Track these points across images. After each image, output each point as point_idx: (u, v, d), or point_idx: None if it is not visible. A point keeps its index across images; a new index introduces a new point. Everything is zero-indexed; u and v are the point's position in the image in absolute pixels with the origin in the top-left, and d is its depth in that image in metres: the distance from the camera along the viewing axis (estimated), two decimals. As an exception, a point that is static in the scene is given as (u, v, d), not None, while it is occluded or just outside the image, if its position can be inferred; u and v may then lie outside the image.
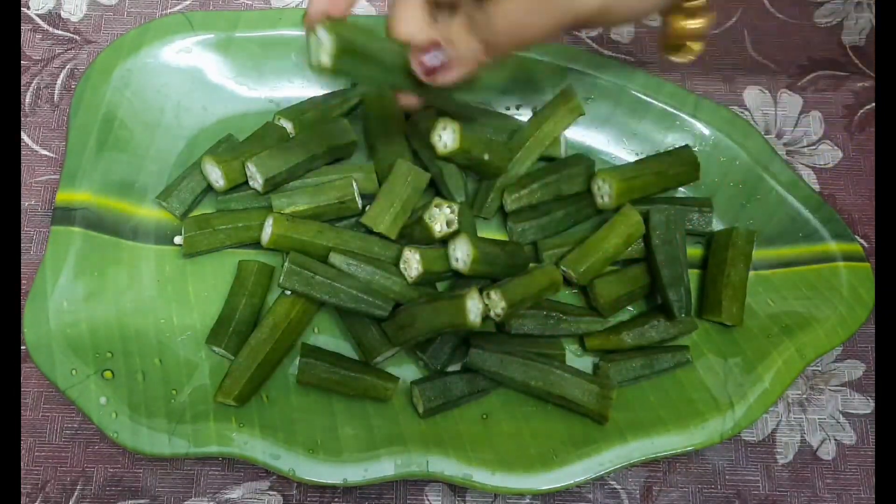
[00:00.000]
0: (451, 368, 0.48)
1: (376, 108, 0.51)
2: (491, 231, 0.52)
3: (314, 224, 0.48)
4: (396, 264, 0.48)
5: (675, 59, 0.35)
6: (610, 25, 0.32)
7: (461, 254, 0.46)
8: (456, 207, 0.47)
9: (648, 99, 0.52)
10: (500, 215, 0.52)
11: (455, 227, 0.47)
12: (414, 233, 0.48)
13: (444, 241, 0.48)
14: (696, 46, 0.35)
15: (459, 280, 0.49)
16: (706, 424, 0.46)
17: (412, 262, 0.46)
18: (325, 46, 0.32)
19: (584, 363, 0.49)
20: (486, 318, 0.45)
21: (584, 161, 0.52)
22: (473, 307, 0.43)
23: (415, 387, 0.47)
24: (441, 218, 0.47)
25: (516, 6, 0.29)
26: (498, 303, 0.45)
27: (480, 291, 0.45)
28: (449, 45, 0.31)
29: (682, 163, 0.51)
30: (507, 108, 0.54)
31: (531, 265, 0.49)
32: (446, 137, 0.47)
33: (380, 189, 0.49)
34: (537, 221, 0.50)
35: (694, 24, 0.33)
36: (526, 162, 0.51)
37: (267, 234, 0.47)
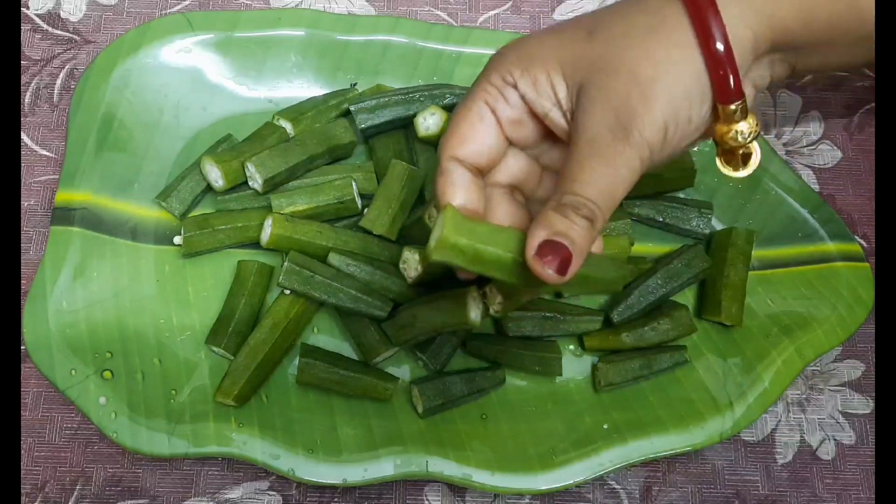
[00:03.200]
0: (450, 368, 0.48)
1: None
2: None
3: (314, 224, 0.48)
4: (396, 264, 0.47)
5: (732, 174, 0.35)
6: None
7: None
8: None
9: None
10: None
11: None
12: (413, 232, 0.48)
13: None
14: (754, 159, 0.34)
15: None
16: (706, 424, 0.46)
17: (412, 263, 0.46)
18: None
19: (583, 363, 0.49)
20: (485, 316, 0.45)
21: None
22: (474, 306, 0.43)
23: (414, 386, 0.47)
24: None
25: (599, 172, 0.30)
26: (494, 297, 0.45)
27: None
28: (558, 234, 0.30)
29: (679, 167, 0.51)
30: None
31: None
32: (431, 121, 0.47)
33: (377, 191, 0.49)
34: None
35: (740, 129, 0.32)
36: None
37: (266, 234, 0.47)
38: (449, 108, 0.51)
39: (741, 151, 0.34)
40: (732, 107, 0.31)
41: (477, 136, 0.33)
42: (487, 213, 0.35)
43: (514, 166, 0.36)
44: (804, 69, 0.33)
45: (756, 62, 0.32)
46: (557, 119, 0.32)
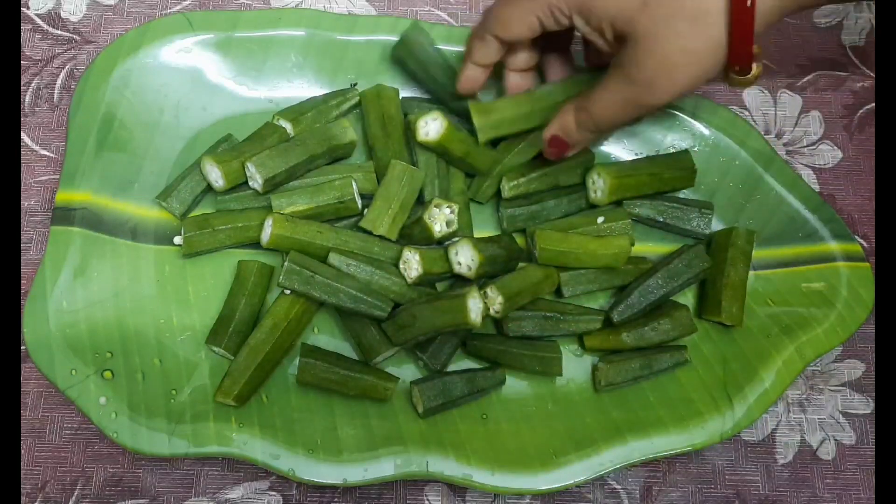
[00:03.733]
0: (451, 368, 0.48)
1: (376, 108, 0.51)
2: (481, 216, 0.52)
3: (314, 224, 0.48)
4: (396, 265, 0.48)
5: (739, 86, 0.40)
6: (680, 100, 0.44)
7: (465, 258, 0.46)
8: (455, 207, 0.47)
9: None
10: (493, 200, 0.52)
11: (454, 226, 0.47)
12: (413, 233, 0.48)
13: (442, 242, 0.48)
14: (756, 71, 0.39)
15: (458, 279, 0.49)
16: (706, 424, 0.46)
17: (412, 263, 0.46)
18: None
19: (584, 363, 0.49)
20: (485, 316, 0.45)
21: (585, 153, 0.52)
22: (474, 306, 0.43)
23: (414, 387, 0.47)
24: (441, 218, 0.47)
25: (612, 112, 0.40)
26: (495, 298, 0.45)
27: (479, 289, 0.45)
28: (566, 134, 0.43)
29: (679, 167, 0.51)
30: None
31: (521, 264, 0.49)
32: (431, 126, 0.48)
33: (377, 191, 0.49)
34: (528, 209, 0.50)
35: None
36: (526, 154, 0.51)
37: (267, 234, 0.47)
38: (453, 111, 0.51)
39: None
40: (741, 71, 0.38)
41: (517, 31, 0.40)
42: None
43: (525, 56, 0.46)
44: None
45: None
46: (601, 46, 0.40)
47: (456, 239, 0.47)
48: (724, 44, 0.35)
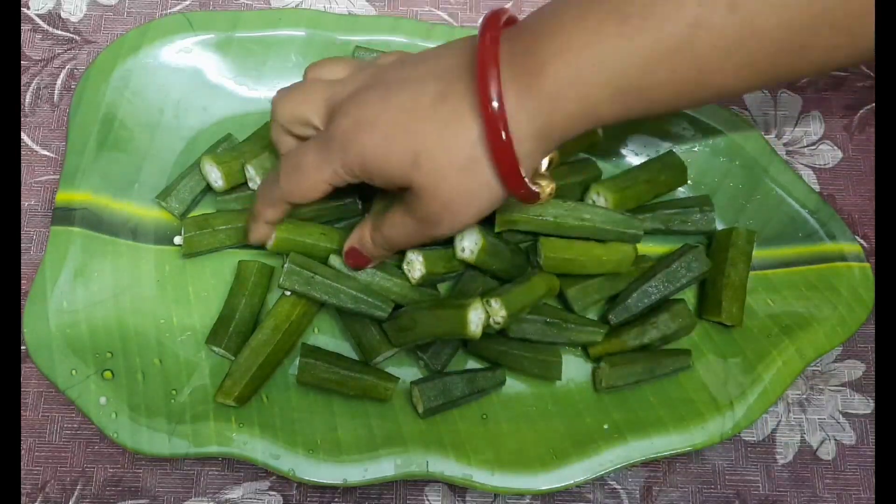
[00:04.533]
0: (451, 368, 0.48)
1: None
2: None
3: (317, 227, 0.47)
4: (398, 266, 0.47)
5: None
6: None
7: (469, 243, 0.46)
8: None
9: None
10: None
11: None
12: None
13: (446, 242, 0.48)
14: (547, 192, 0.40)
15: (463, 277, 0.49)
16: (706, 424, 0.46)
17: (415, 264, 0.46)
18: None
19: (584, 363, 0.50)
20: (486, 328, 0.44)
21: (590, 168, 0.51)
22: (475, 318, 0.43)
23: (415, 387, 0.47)
24: None
25: (401, 237, 0.41)
26: (498, 311, 0.44)
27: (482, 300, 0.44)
28: (363, 249, 0.44)
29: (669, 168, 0.51)
30: None
31: (528, 270, 0.48)
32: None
33: (376, 193, 0.49)
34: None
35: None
36: None
37: (271, 238, 0.47)
38: None
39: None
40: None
41: (313, 196, 0.41)
42: None
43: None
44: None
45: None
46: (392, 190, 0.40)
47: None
48: (496, 182, 0.36)
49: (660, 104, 0.35)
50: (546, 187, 0.39)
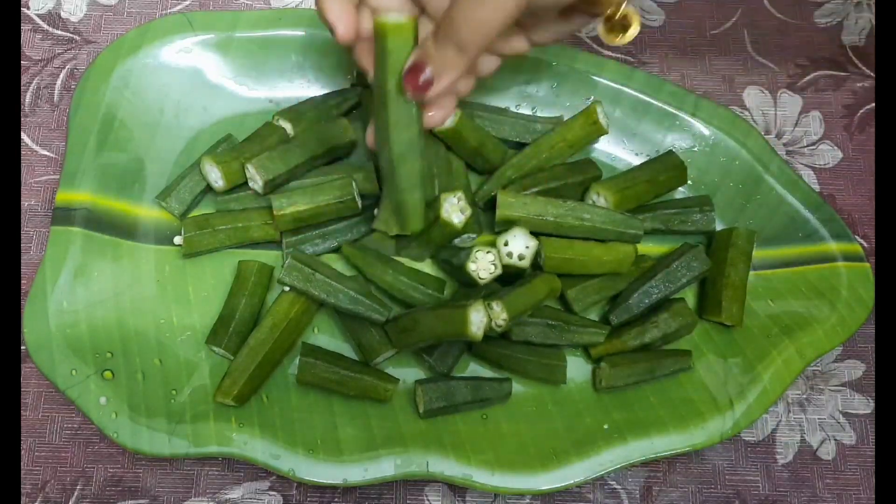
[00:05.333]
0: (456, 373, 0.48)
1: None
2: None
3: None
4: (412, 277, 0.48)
5: (614, 42, 0.38)
6: (558, 5, 0.36)
7: (518, 246, 0.46)
8: (460, 194, 0.46)
9: (648, 99, 0.52)
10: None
11: (469, 212, 0.46)
12: (433, 233, 0.48)
13: (465, 231, 0.47)
14: (633, 28, 0.37)
15: (466, 286, 0.49)
16: (706, 424, 0.46)
17: (483, 263, 0.47)
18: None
19: (585, 364, 0.50)
20: (487, 331, 0.44)
21: (590, 169, 0.51)
22: (476, 319, 0.43)
23: (419, 386, 0.47)
24: (455, 209, 0.46)
25: (473, 4, 0.33)
26: (500, 314, 0.44)
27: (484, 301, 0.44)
28: (428, 59, 0.36)
29: (669, 168, 0.51)
30: (534, 109, 0.54)
31: (528, 272, 0.48)
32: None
33: (380, 193, 0.49)
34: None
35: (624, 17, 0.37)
36: (531, 163, 0.51)
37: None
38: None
39: (621, 20, 0.37)
40: None
41: (497, 21, 0.34)
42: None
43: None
44: None
45: None
46: None
47: (500, 229, 0.47)
48: None
49: None
50: (635, 22, 0.36)
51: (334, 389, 0.46)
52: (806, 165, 0.56)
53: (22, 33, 0.56)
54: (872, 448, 0.50)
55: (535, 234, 0.47)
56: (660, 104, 0.52)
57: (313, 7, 0.57)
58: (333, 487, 0.47)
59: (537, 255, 0.47)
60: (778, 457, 0.49)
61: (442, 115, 0.41)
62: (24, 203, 0.53)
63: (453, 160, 0.51)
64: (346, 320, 0.49)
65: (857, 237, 0.53)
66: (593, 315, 0.50)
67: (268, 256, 0.50)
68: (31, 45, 0.56)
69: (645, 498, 0.48)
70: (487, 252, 0.47)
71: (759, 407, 0.46)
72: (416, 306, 0.47)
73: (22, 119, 0.54)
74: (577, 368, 0.49)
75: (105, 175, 0.49)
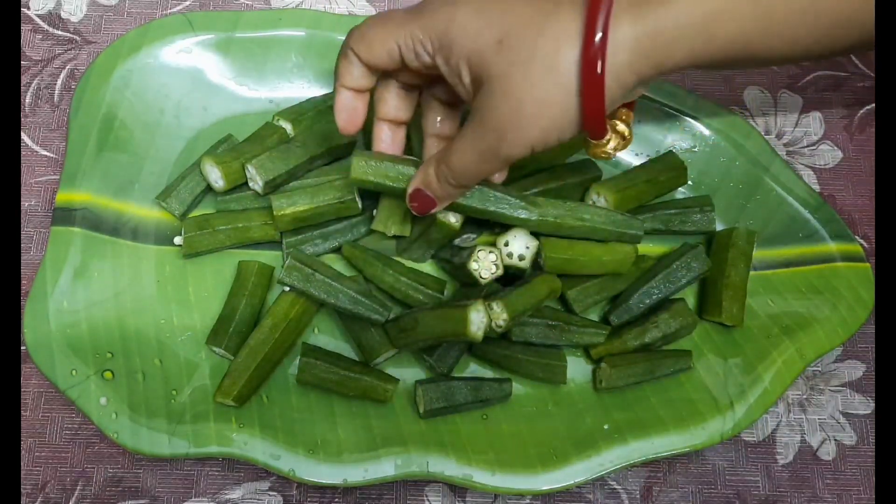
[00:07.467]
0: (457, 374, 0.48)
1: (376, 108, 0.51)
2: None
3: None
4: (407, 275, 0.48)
5: (597, 156, 0.40)
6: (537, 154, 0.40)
7: (518, 247, 0.46)
8: None
9: (648, 99, 0.52)
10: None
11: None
12: (432, 233, 0.48)
13: (461, 232, 0.47)
14: (615, 143, 0.38)
15: (468, 286, 0.49)
16: (706, 425, 0.46)
17: (485, 263, 0.46)
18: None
19: (585, 364, 0.50)
20: (487, 331, 0.44)
21: (590, 169, 0.51)
22: (477, 319, 0.43)
23: (419, 386, 0.47)
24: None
25: (470, 165, 0.38)
26: (500, 314, 0.44)
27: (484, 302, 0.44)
28: (428, 188, 0.41)
29: (670, 168, 0.51)
30: None
31: (528, 273, 0.48)
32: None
33: (380, 193, 0.49)
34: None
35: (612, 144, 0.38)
36: (531, 164, 0.51)
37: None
38: None
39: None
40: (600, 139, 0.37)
41: (377, 52, 0.38)
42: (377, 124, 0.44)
43: (395, 103, 0.43)
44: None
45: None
46: (461, 91, 0.38)
47: (498, 230, 0.47)
48: (575, 103, 0.34)
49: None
50: (618, 131, 0.37)
51: (334, 390, 0.46)
52: (806, 166, 0.56)
53: (22, 33, 0.56)
54: (872, 448, 0.50)
55: (535, 234, 0.47)
56: (660, 104, 0.52)
57: (313, 7, 0.57)
58: (333, 488, 0.47)
59: (538, 255, 0.47)
60: (778, 457, 0.49)
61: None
62: (24, 203, 0.53)
63: None
64: (346, 320, 0.49)
65: (857, 237, 0.53)
66: (593, 315, 0.50)
67: (268, 256, 0.50)
68: (32, 46, 0.56)
69: (645, 498, 0.48)
70: (489, 252, 0.47)
71: (759, 407, 0.46)
72: (417, 306, 0.47)
73: (22, 119, 0.54)
74: (577, 368, 0.49)
75: (105, 175, 0.49)
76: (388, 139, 0.44)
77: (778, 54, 0.35)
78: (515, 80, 0.34)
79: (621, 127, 0.38)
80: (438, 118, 0.43)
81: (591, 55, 0.32)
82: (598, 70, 0.33)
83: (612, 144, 0.38)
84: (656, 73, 0.35)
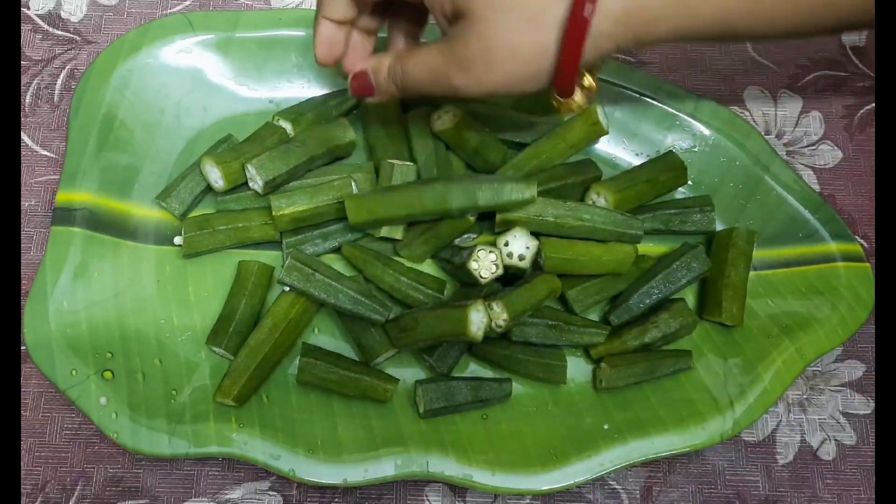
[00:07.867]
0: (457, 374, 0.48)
1: (376, 107, 0.51)
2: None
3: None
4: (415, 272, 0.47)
5: (561, 111, 0.40)
6: (489, 100, 0.42)
7: (518, 247, 0.46)
8: None
9: (648, 99, 0.52)
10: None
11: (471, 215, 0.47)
12: (432, 233, 0.48)
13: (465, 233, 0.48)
14: (579, 101, 0.39)
15: (468, 285, 0.49)
16: (706, 425, 0.46)
17: (485, 262, 0.47)
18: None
19: (585, 365, 0.50)
20: (487, 331, 0.44)
21: (590, 169, 0.51)
22: (476, 319, 0.43)
23: (419, 386, 0.47)
24: None
25: (421, 75, 0.39)
26: (500, 314, 0.44)
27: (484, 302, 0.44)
28: (375, 76, 0.41)
29: (670, 168, 0.51)
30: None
31: (528, 273, 0.48)
32: (445, 117, 0.49)
33: None
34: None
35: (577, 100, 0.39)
36: (531, 163, 0.51)
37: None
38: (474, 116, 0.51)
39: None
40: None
41: None
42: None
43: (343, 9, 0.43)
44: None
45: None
46: (439, 21, 0.38)
47: (499, 230, 0.47)
48: (551, 56, 0.35)
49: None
50: (584, 86, 0.38)
51: (334, 390, 0.46)
52: (806, 166, 0.56)
53: (22, 33, 0.56)
54: (872, 448, 0.50)
55: (535, 234, 0.47)
56: (660, 104, 0.52)
57: (313, 7, 0.57)
58: (333, 487, 0.47)
59: (538, 255, 0.47)
60: (778, 457, 0.49)
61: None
62: (24, 203, 0.53)
63: (453, 160, 0.51)
64: (346, 320, 0.49)
65: (857, 237, 0.53)
66: (593, 315, 0.50)
67: (268, 256, 0.50)
68: (32, 46, 0.56)
69: (645, 498, 0.48)
70: (489, 251, 0.47)
71: (759, 407, 0.46)
72: (417, 306, 0.47)
73: (22, 119, 0.54)
74: (577, 368, 0.49)
75: (105, 175, 0.49)
76: (362, 42, 0.44)
77: (761, 32, 0.36)
78: (495, 24, 0.35)
79: (588, 81, 0.38)
80: (401, 44, 0.45)
81: (579, 20, 0.33)
82: (582, 34, 0.34)
83: (578, 98, 0.38)
84: (634, 45, 0.36)
